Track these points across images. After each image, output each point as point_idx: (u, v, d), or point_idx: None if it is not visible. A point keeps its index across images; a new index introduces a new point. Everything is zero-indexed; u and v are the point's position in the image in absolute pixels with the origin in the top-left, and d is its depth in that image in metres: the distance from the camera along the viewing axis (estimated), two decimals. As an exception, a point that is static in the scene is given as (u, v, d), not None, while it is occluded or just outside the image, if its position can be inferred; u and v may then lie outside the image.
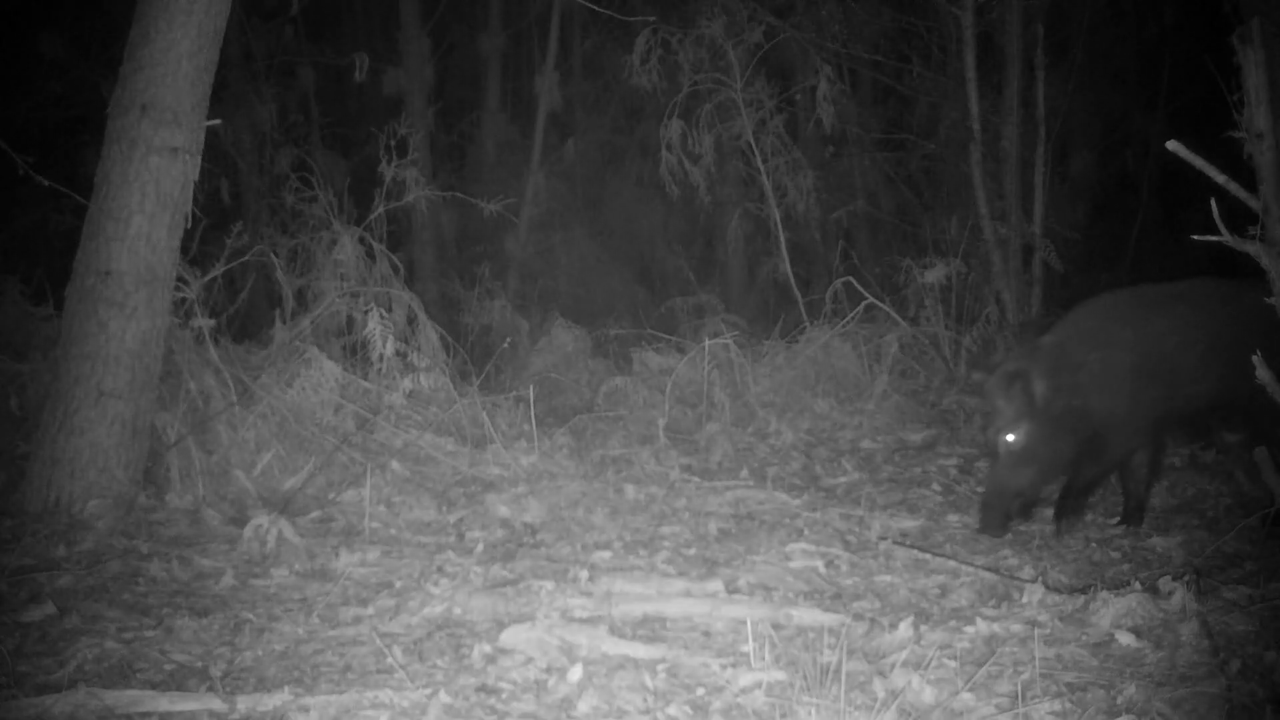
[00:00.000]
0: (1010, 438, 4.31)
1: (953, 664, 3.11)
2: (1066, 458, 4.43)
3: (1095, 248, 11.04)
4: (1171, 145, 3.67)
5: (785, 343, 7.69)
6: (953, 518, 4.88)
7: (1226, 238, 3.76)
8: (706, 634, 3.46)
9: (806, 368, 7.35)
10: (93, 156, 4.90)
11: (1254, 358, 3.85)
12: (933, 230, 8.98)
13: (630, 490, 5.21)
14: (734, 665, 3.13)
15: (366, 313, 6.02)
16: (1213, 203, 3.64)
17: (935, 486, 5.51)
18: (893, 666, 3.08)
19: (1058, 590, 3.71)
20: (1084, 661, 3.14)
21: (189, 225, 4.86)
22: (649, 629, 3.50)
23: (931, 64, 9.32)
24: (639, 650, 3.25)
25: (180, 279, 5.13)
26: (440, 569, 4.11)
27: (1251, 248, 3.79)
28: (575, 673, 3.06)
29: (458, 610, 3.61)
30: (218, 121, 5.02)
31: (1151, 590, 3.51)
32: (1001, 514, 4.38)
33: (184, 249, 4.98)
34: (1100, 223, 11.49)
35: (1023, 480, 4.37)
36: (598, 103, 12.52)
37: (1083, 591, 3.64)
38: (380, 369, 5.96)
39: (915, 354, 7.84)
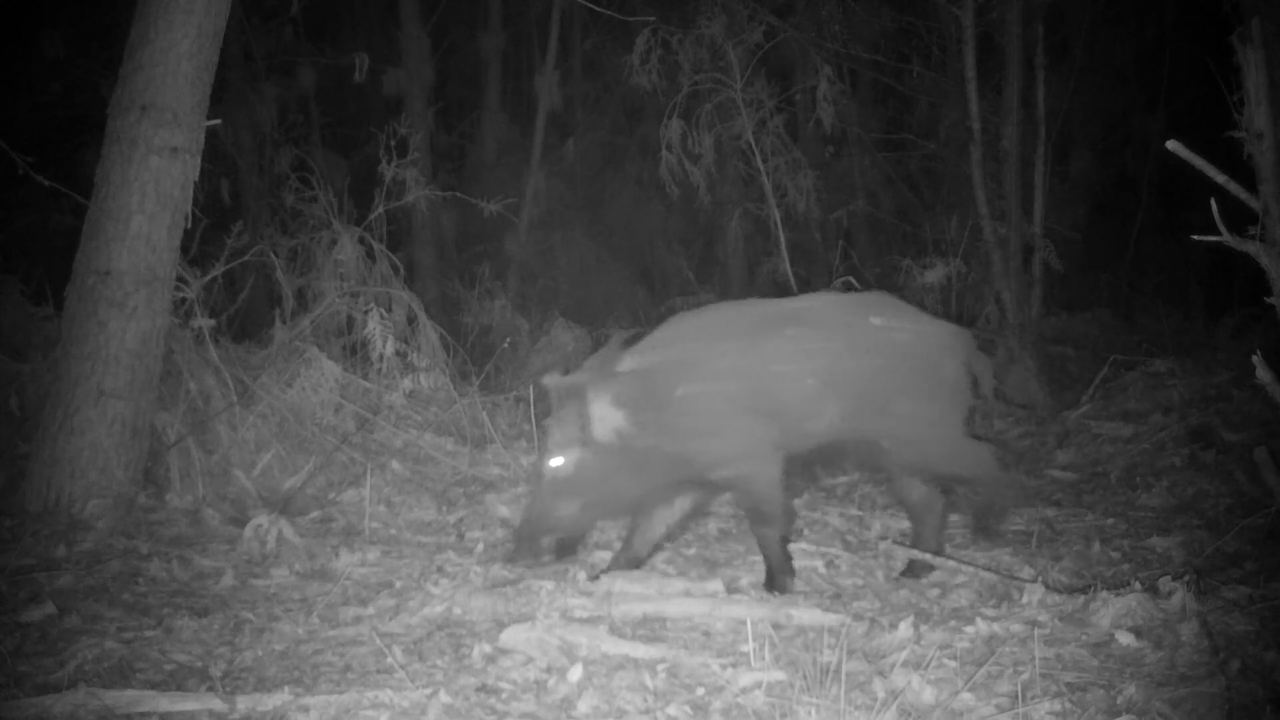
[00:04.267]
0: (555, 462, 3.76)
1: (953, 664, 3.11)
2: (629, 498, 3.87)
3: (1095, 248, 11.06)
4: (1171, 145, 3.67)
5: (786, 343, 7.68)
6: (953, 518, 4.87)
7: (1226, 238, 3.77)
8: (706, 634, 3.46)
9: (806, 368, 7.34)
10: (93, 156, 4.90)
11: (1254, 357, 3.85)
12: (933, 230, 8.99)
13: (630, 490, 5.20)
14: (734, 665, 3.13)
15: (366, 313, 6.02)
16: (1213, 203, 3.65)
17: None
18: (893, 666, 3.08)
19: (1058, 590, 3.71)
20: (1084, 661, 3.14)
21: (189, 225, 4.86)
22: (649, 629, 3.50)
23: (931, 64, 9.33)
24: (639, 650, 3.25)
25: (180, 279, 5.12)
26: (440, 569, 4.11)
27: (1251, 248, 3.80)
28: (575, 673, 3.06)
29: (458, 610, 3.61)
30: (218, 121, 5.01)
31: (1151, 590, 3.51)
32: (534, 546, 3.84)
33: (184, 249, 4.98)
34: (1100, 223, 11.51)
35: (563, 513, 3.80)
36: (598, 103, 12.53)
37: (1083, 591, 3.64)
38: (380, 369, 5.96)
39: (915, 354, 7.84)
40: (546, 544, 3.85)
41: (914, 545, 4.15)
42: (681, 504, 4.08)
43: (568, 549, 3.94)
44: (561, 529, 3.86)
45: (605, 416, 3.72)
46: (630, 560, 4.01)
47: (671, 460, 3.76)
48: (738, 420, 3.74)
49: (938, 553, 4.12)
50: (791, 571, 3.89)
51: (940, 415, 3.94)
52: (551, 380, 3.88)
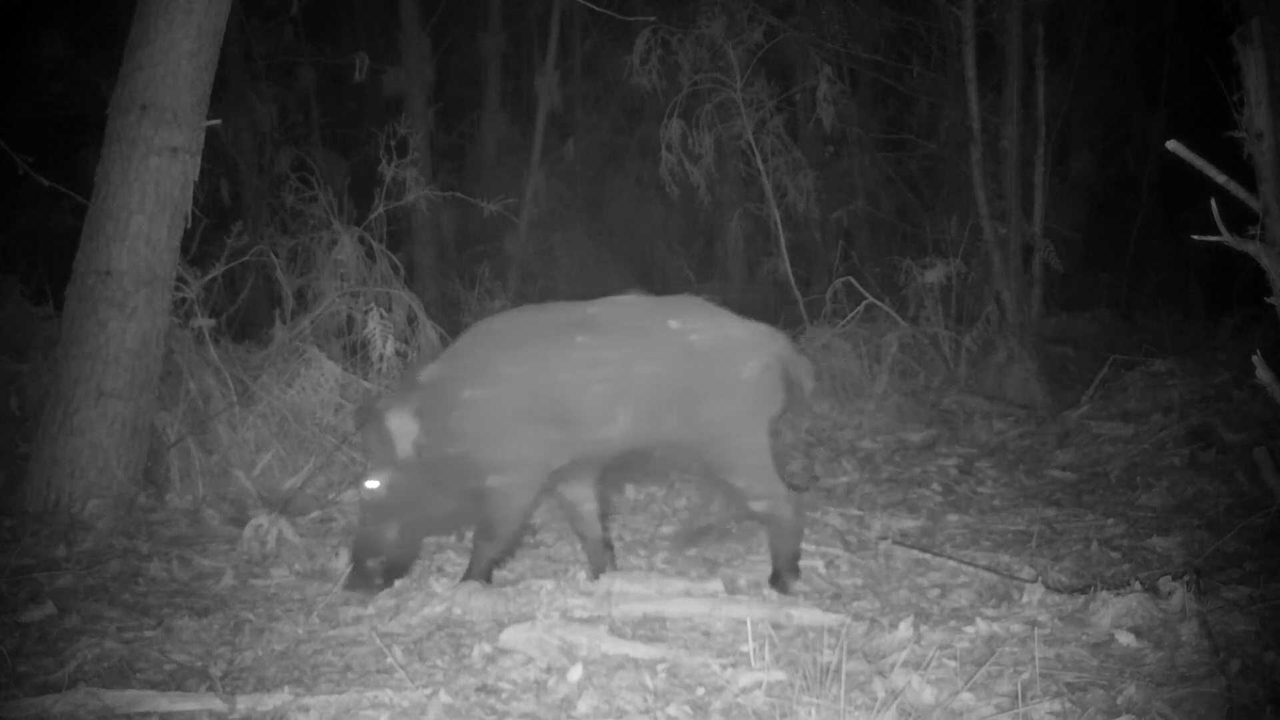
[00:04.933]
0: (370, 485, 3.77)
1: (953, 664, 3.10)
2: (443, 512, 3.85)
3: (1095, 248, 11.06)
4: (1171, 145, 3.67)
5: (785, 342, 7.69)
6: (953, 518, 4.88)
7: (1226, 238, 3.77)
8: (706, 634, 3.46)
9: (806, 367, 7.35)
10: (93, 156, 4.91)
11: (1254, 357, 3.85)
12: (933, 230, 8.99)
13: (630, 490, 5.21)
14: (734, 665, 3.13)
15: (366, 313, 6.02)
16: (1213, 203, 3.65)
17: (935, 486, 5.51)
18: (893, 666, 3.08)
19: (1058, 590, 3.71)
20: (1084, 661, 3.14)
21: (189, 225, 4.86)
22: (649, 629, 3.50)
23: (931, 64, 9.33)
24: (639, 650, 3.25)
25: (180, 279, 5.13)
26: (440, 568, 4.11)
27: (1251, 248, 3.80)
28: (575, 673, 3.06)
29: (458, 610, 3.60)
30: (218, 121, 5.02)
31: (1151, 590, 3.51)
32: (365, 572, 3.80)
33: (184, 249, 4.98)
34: (1100, 223, 11.52)
35: (385, 537, 3.78)
36: (598, 103, 12.53)
37: (1083, 591, 3.64)
38: (380, 369, 5.96)
39: (915, 354, 7.85)
40: (375, 567, 3.81)
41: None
42: (587, 476, 4.00)
43: (397, 571, 3.87)
44: (386, 552, 3.80)
45: (405, 431, 3.71)
46: (596, 550, 4.00)
47: (463, 467, 3.73)
48: (515, 430, 3.71)
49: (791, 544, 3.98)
50: (489, 580, 3.82)
51: (739, 415, 3.80)
52: (365, 403, 3.85)
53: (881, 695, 2.92)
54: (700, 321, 3.85)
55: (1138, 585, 3.55)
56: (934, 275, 8.02)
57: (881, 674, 3.05)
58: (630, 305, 4.01)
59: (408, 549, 3.91)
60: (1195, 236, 3.85)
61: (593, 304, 3.98)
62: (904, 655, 3.15)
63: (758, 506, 3.86)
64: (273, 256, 6.18)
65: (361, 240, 6.36)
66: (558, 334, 3.79)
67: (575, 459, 3.80)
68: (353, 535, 3.99)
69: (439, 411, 3.71)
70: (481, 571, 3.82)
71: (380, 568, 3.81)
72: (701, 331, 3.82)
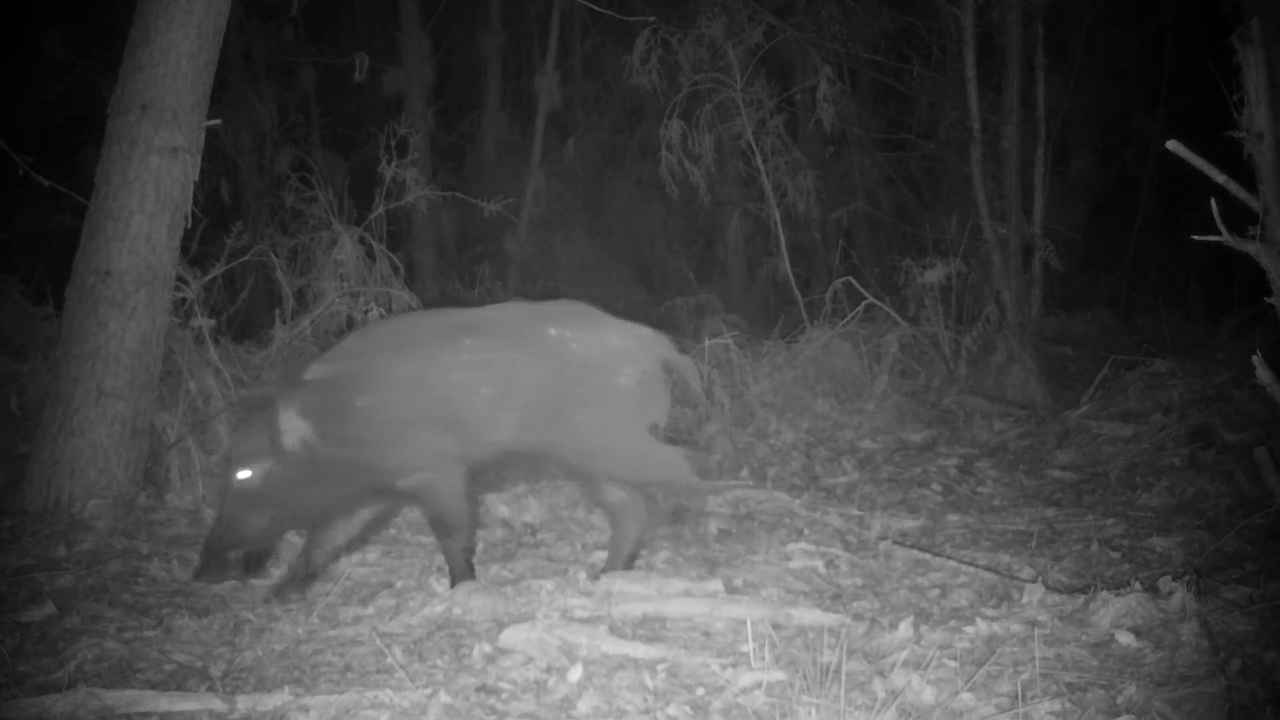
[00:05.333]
0: (243, 474, 3.66)
1: (953, 664, 3.10)
2: (315, 509, 3.80)
3: (1095, 248, 11.07)
4: (1171, 145, 3.68)
5: (785, 343, 7.71)
6: (953, 518, 4.88)
7: (1226, 238, 3.77)
8: (706, 634, 3.46)
9: (806, 368, 7.36)
10: (93, 156, 4.90)
11: (1254, 357, 3.85)
12: (933, 230, 8.99)
13: (630, 490, 5.20)
14: (734, 665, 3.13)
15: (366, 313, 6.02)
16: (1213, 203, 3.65)
17: (935, 486, 5.51)
18: (893, 666, 3.08)
19: (1058, 590, 3.71)
20: (1084, 661, 3.14)
21: (189, 225, 4.86)
22: (649, 629, 3.50)
23: (931, 64, 9.33)
24: (639, 650, 3.25)
25: (180, 279, 5.12)
26: (440, 569, 4.10)
27: (1251, 248, 3.81)
28: (575, 673, 3.06)
29: (458, 610, 3.61)
30: (218, 121, 5.02)
31: (1151, 590, 3.51)
32: (222, 561, 3.70)
33: (184, 249, 4.98)
34: (1100, 223, 11.53)
35: (252, 527, 3.69)
36: (598, 103, 12.54)
37: (1083, 591, 3.64)
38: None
39: (915, 354, 7.85)
40: (234, 558, 3.75)
41: (610, 553, 4.09)
42: (364, 514, 4.02)
43: (256, 563, 3.83)
44: (250, 542, 3.74)
45: (291, 426, 3.68)
46: (306, 575, 3.92)
47: (357, 469, 3.74)
48: (417, 430, 3.74)
49: (631, 561, 4.05)
50: (472, 571, 3.86)
51: (615, 424, 3.85)
52: (241, 393, 3.81)
53: (881, 695, 2.92)
54: (578, 329, 3.89)
55: (1138, 585, 3.55)
56: (934, 275, 8.03)
57: (881, 674, 3.05)
58: (513, 311, 4.06)
59: (269, 542, 3.89)
60: (1195, 236, 3.85)
61: (476, 310, 4.05)
62: (904, 655, 3.15)
63: (656, 478, 3.96)
64: (273, 256, 6.18)
65: (361, 240, 6.36)
66: (446, 337, 3.84)
67: (475, 464, 3.86)
68: (213, 523, 3.92)
69: (332, 415, 3.69)
70: (462, 569, 3.84)
71: (239, 559, 3.76)
72: (579, 340, 3.86)
